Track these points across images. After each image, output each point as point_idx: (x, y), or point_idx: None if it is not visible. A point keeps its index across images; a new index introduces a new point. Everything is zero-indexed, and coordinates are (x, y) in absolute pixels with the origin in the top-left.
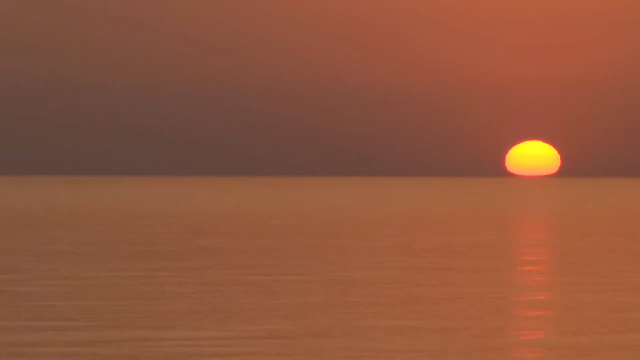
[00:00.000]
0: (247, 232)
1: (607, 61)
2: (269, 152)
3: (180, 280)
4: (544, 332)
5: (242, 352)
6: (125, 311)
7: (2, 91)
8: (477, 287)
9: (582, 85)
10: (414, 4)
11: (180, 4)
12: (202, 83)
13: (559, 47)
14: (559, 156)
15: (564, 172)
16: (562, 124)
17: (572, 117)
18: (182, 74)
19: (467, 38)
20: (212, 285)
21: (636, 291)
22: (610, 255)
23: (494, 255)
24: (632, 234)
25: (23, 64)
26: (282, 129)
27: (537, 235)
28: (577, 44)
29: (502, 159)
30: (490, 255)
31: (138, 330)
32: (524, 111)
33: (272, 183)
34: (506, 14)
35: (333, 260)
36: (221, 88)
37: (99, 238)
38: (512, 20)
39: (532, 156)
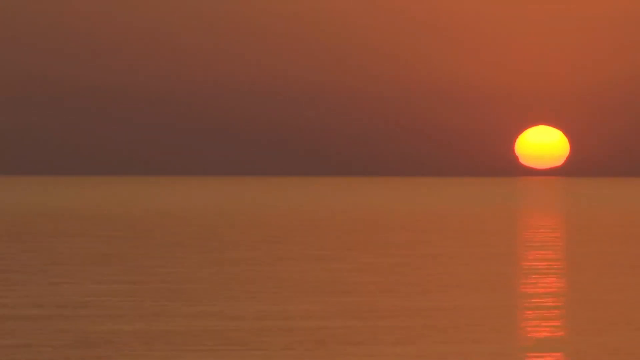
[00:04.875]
0: None
1: (611, 54)
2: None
3: None
4: None
5: None
6: None
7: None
8: None
9: (589, 77)
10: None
11: (194, 6)
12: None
13: (561, 44)
14: (567, 142)
15: (573, 159)
16: (570, 109)
17: (581, 102)
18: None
19: (467, 36)
20: None
21: None
22: None
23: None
24: None
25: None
26: (281, 130)
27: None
28: (577, 43)
29: (512, 144)
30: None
31: None
32: (532, 96)
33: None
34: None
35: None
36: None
37: None
38: (518, 20)
39: (541, 143)
